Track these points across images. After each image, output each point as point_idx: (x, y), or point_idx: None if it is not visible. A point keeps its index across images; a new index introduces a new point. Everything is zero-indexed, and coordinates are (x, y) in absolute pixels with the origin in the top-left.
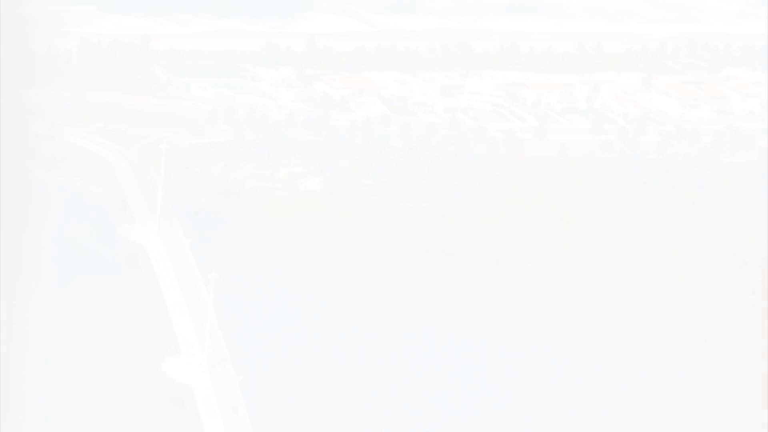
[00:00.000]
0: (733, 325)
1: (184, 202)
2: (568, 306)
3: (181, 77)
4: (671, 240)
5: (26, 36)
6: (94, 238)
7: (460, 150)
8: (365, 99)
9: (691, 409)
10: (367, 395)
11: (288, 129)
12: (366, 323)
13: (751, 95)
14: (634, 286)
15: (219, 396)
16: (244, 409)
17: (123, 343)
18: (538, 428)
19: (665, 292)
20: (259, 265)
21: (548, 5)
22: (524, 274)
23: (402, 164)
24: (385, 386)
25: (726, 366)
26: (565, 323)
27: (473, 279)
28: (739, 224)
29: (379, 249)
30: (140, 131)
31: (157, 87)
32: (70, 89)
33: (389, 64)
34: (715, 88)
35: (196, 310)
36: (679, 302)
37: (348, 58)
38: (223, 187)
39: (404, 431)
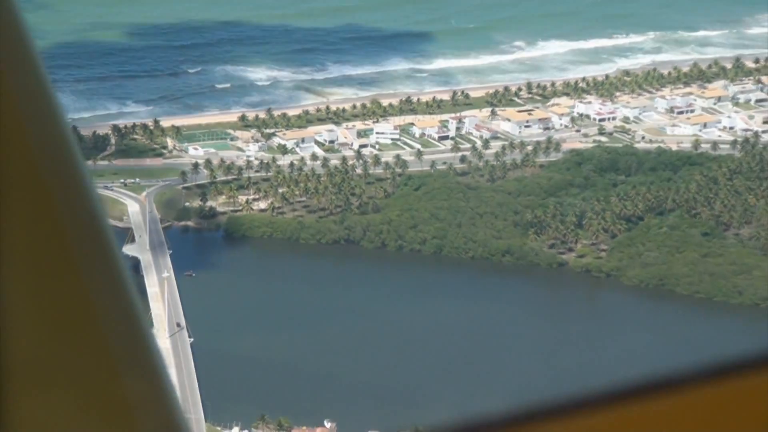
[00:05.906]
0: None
1: (174, 225)
2: (430, 269)
3: (182, 143)
4: (498, 217)
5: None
6: None
7: (363, 171)
8: (305, 145)
9: None
10: (289, 345)
11: (248, 171)
12: (299, 299)
13: (566, 115)
14: (471, 250)
15: (174, 352)
16: (191, 361)
17: None
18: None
19: (492, 253)
20: (222, 264)
21: (437, 73)
22: (402, 250)
23: (323, 186)
24: (310, 341)
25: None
26: (428, 280)
27: (367, 259)
28: (545, 203)
29: (306, 245)
30: (150, 182)
31: (165, 151)
32: (104, 160)
33: (325, 120)
34: (543, 112)
35: (167, 299)
36: (501, 259)
37: (296, 119)
38: (201, 213)
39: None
